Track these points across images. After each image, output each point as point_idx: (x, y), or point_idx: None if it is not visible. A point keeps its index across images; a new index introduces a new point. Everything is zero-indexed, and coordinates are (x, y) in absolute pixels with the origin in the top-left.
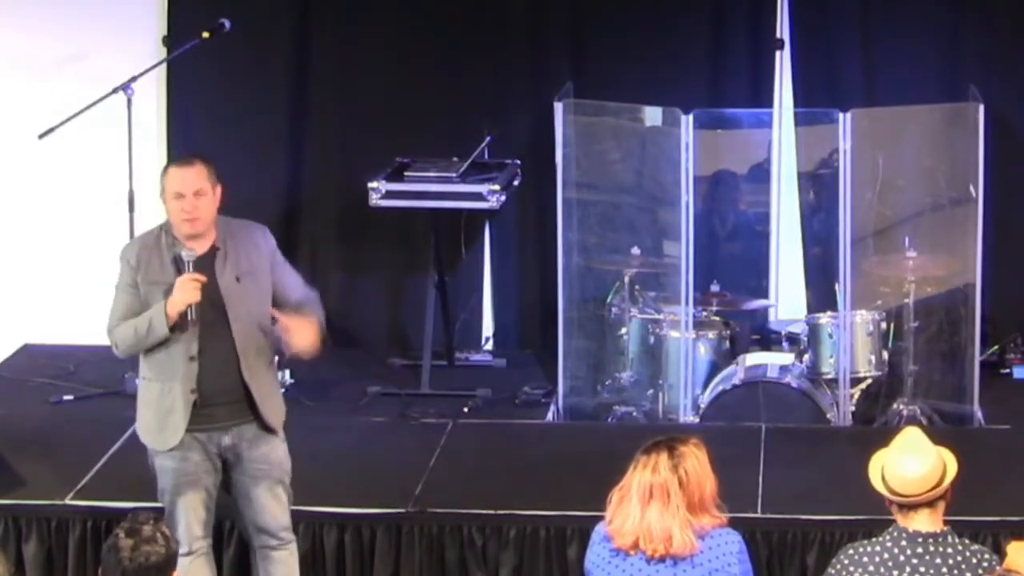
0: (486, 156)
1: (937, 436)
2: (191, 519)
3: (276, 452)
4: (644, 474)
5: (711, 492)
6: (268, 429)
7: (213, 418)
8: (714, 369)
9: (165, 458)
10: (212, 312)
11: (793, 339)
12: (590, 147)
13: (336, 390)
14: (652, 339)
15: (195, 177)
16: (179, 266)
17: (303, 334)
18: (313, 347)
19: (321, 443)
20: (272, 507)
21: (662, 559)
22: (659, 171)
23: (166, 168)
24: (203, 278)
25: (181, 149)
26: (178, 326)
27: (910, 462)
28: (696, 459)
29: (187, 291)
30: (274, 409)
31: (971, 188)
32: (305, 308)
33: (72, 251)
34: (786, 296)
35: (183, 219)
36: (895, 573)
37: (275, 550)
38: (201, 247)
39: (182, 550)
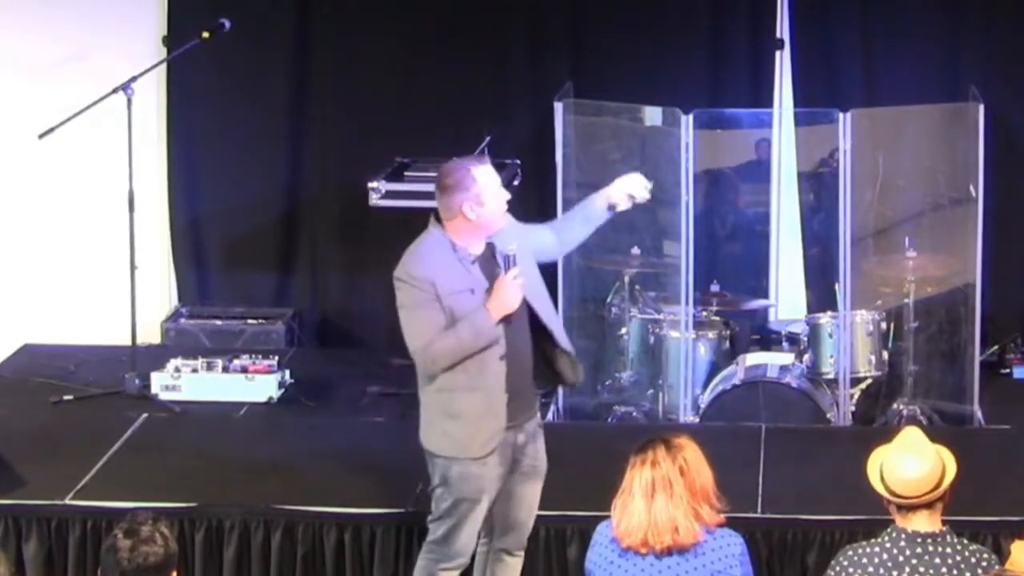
0: (486, 156)
1: (937, 436)
2: (477, 528)
3: (543, 446)
4: (644, 471)
5: (710, 481)
6: (566, 383)
7: (512, 417)
8: (714, 369)
9: (472, 465)
10: None
11: (793, 339)
12: (590, 147)
13: (336, 390)
14: (652, 339)
15: None
16: (504, 264)
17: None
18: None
19: (321, 443)
20: (533, 507)
21: (669, 552)
22: (659, 171)
23: (471, 171)
24: (518, 270)
25: (181, 149)
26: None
27: (909, 464)
28: (692, 450)
29: (518, 289)
30: None
31: (971, 188)
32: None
33: (72, 251)
34: (786, 296)
35: (503, 211)
36: (894, 574)
37: (511, 555)
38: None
39: (454, 563)
